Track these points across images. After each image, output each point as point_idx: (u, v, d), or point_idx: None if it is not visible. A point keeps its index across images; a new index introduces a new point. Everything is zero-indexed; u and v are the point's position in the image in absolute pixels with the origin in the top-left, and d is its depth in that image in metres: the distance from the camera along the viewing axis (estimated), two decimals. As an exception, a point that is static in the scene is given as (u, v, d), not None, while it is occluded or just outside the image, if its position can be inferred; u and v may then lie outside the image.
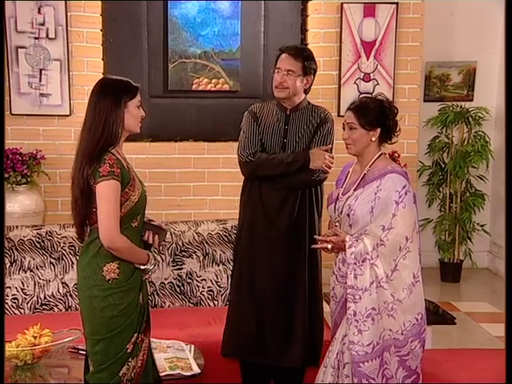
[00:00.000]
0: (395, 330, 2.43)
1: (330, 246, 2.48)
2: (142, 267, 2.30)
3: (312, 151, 2.92)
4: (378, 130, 2.54)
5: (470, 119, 5.28)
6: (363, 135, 2.52)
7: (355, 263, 2.40)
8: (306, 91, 3.01)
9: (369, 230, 2.43)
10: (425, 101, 5.50)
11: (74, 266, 3.49)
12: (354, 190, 2.53)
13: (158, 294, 3.53)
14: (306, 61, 2.93)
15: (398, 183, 2.45)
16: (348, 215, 2.50)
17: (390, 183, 2.45)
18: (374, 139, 2.54)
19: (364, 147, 2.55)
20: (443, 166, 5.40)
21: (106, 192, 2.20)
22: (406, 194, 2.43)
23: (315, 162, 2.90)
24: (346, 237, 2.45)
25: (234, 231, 3.56)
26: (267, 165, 2.91)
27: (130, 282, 2.27)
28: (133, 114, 2.29)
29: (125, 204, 2.24)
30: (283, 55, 2.95)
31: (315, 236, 2.67)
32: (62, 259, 3.52)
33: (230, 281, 3.46)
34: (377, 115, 2.53)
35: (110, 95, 2.27)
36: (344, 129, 2.58)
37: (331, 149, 2.99)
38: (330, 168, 2.92)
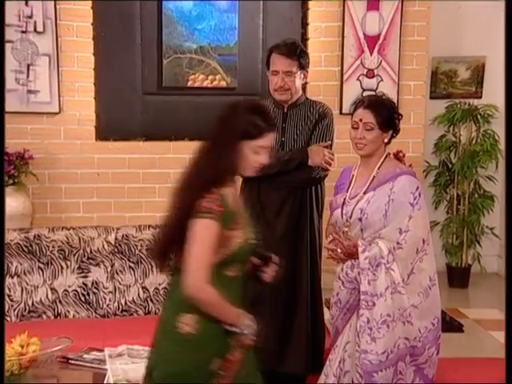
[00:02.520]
0: (412, 337, 2.43)
1: (339, 250, 2.49)
2: (229, 328, 2.00)
3: (310, 148, 2.93)
4: (390, 132, 2.56)
5: (479, 117, 5.28)
6: (379, 136, 2.53)
7: (369, 268, 2.41)
8: (303, 86, 3.04)
9: (383, 234, 2.44)
10: (431, 98, 5.50)
11: (64, 271, 3.49)
12: (364, 193, 2.53)
13: (151, 301, 3.52)
14: (301, 57, 2.96)
15: (412, 185, 2.48)
16: (360, 219, 2.50)
17: (404, 185, 2.47)
18: (386, 141, 2.56)
19: (375, 149, 2.55)
20: (450, 166, 5.40)
21: (199, 231, 1.92)
22: (419, 195, 2.47)
23: (314, 158, 2.90)
24: (358, 241, 2.46)
25: (232, 234, 3.56)
26: None
27: (205, 339, 1.99)
28: (244, 157, 2.00)
29: (222, 249, 1.97)
30: (276, 56, 2.96)
31: (326, 237, 2.66)
32: (51, 264, 3.51)
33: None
34: (392, 116, 2.55)
35: (228, 127, 2.00)
36: (355, 128, 2.54)
37: (331, 145, 2.99)
38: (330, 165, 2.92)
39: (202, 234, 1.93)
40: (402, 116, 2.61)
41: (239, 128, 1.98)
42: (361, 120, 2.52)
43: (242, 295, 2.08)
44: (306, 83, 3.06)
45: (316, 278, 2.99)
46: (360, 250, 2.42)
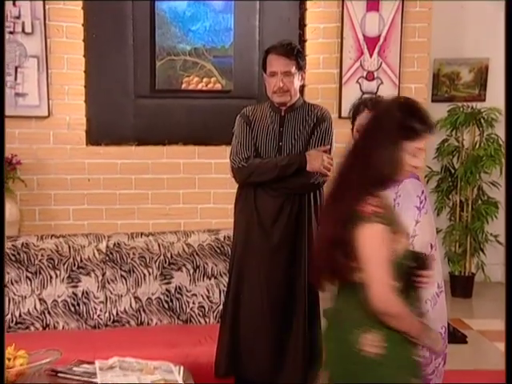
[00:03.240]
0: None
1: None
2: (422, 343, 1.93)
3: (309, 152, 2.94)
4: None
5: (482, 121, 5.29)
6: None
7: None
8: (300, 88, 3.06)
9: None
10: (433, 101, 5.51)
11: (53, 281, 3.47)
12: None
13: (144, 311, 3.51)
14: (298, 58, 2.98)
15: (417, 188, 2.49)
16: None
17: (409, 188, 2.47)
18: None
19: None
20: (453, 171, 5.41)
21: (372, 238, 1.84)
22: (425, 199, 2.48)
23: (312, 163, 2.91)
24: None
25: (227, 242, 3.56)
26: (261, 169, 2.93)
27: (398, 357, 1.89)
28: (402, 159, 1.94)
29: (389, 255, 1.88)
30: (274, 56, 2.98)
31: None
32: (40, 273, 3.49)
33: (222, 296, 3.46)
34: None
35: (385, 129, 1.94)
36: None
37: (330, 150, 3.00)
38: (329, 170, 2.92)
39: (376, 240, 1.85)
40: None
41: (398, 130, 1.93)
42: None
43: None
44: (303, 86, 3.08)
45: (313, 288, 2.99)
46: None
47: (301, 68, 3.00)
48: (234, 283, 3.02)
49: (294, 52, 2.97)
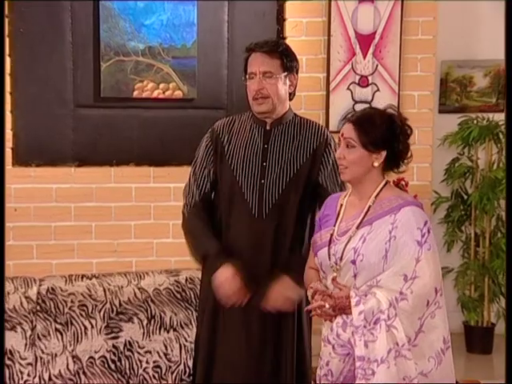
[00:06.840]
0: None
1: (328, 305, 2.46)
2: None
3: (274, 288, 2.95)
4: (384, 154, 2.59)
5: (501, 136, 5.35)
6: (363, 157, 2.56)
7: (365, 326, 2.40)
8: (290, 97, 3.07)
9: (383, 281, 2.44)
10: (440, 112, 5.57)
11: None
12: (358, 227, 2.54)
13: (84, 374, 3.48)
14: (284, 56, 3.00)
15: (419, 219, 2.52)
16: (353, 262, 2.50)
17: (409, 219, 2.50)
18: (376, 164, 2.59)
19: (362, 173, 2.59)
20: (466, 197, 5.45)
21: None
22: (428, 232, 2.50)
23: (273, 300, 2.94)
24: (350, 291, 2.45)
25: (190, 285, 3.57)
26: (191, 237, 3.00)
27: None
28: None
29: None
30: (253, 55, 3.02)
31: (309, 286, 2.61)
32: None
33: (184, 353, 3.44)
34: (384, 134, 2.59)
35: None
36: (339, 145, 2.62)
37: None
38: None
39: None
40: (409, 134, 2.68)
41: None
42: (342, 135, 2.60)
43: None
44: (293, 93, 3.08)
45: (303, 342, 2.99)
46: (353, 302, 2.43)
47: (287, 70, 3.01)
48: (206, 335, 2.99)
49: (279, 49, 2.99)
